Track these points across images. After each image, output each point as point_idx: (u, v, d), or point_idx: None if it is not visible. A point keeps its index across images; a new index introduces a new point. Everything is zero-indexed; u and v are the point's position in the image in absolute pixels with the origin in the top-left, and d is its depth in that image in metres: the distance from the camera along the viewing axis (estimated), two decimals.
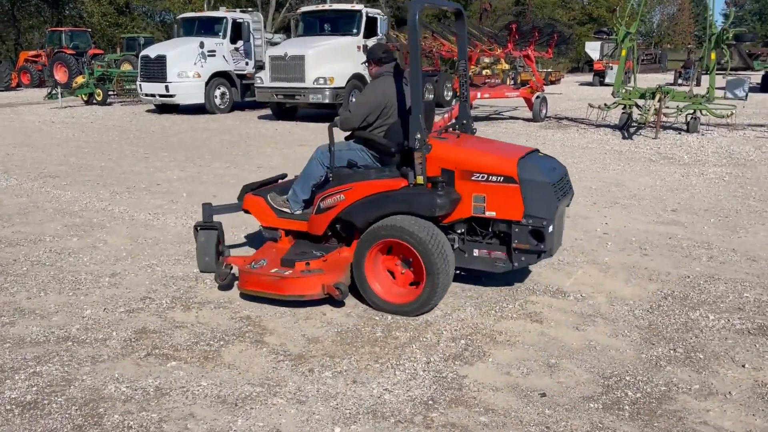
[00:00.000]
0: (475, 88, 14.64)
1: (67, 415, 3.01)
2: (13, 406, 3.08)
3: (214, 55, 17.05)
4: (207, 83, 16.84)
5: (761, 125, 13.53)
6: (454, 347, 3.69)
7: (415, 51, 3.88)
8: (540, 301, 4.31)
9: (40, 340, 3.78)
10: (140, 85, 17.39)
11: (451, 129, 4.68)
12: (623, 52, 13.00)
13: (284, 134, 13.24)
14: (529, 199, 3.88)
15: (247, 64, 17.87)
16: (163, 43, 19.32)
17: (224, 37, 17.32)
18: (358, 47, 15.23)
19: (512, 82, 21.41)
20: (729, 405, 3.06)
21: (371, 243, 4.03)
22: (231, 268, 4.49)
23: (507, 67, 23.17)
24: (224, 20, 17.31)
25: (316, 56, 14.66)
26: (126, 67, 24.68)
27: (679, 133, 12.41)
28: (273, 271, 4.12)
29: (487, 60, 19.51)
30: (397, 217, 3.98)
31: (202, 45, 16.64)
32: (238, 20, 17.42)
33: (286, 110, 16.00)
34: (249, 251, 5.22)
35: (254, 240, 5.66)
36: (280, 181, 5.36)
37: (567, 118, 15.21)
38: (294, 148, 11.36)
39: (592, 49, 33.87)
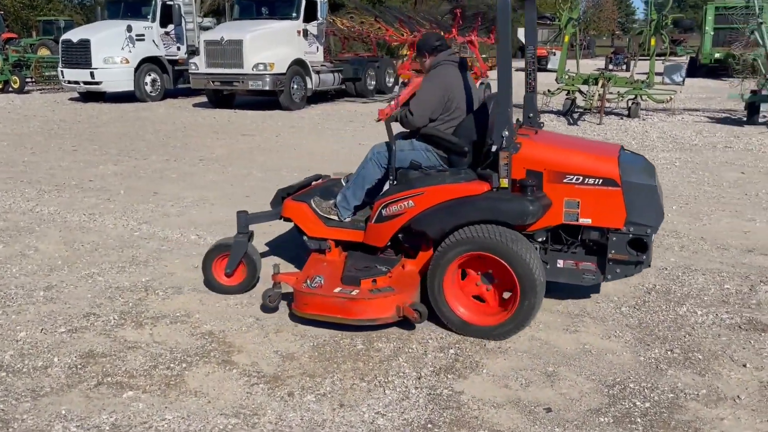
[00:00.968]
0: (419, 75, 14.35)
1: None
2: None
3: (143, 40, 16.07)
4: (136, 69, 15.87)
5: (696, 110, 13.88)
6: (444, 358, 3.40)
7: (505, 33, 3.45)
8: None
9: None
10: (62, 71, 16.21)
11: (521, 123, 4.04)
12: (566, 38, 13.01)
13: (223, 123, 12.59)
14: (632, 204, 3.42)
15: (178, 49, 16.96)
16: (87, 26, 18.08)
17: (153, 20, 16.36)
18: (299, 32, 14.66)
19: None
20: (741, 411, 2.91)
21: (454, 257, 3.49)
22: (281, 288, 3.87)
23: None
24: (153, 2, 16.33)
25: (255, 41, 14.01)
26: (43, 52, 23.08)
27: (622, 119, 12.56)
28: (337, 291, 3.59)
29: None
30: (479, 226, 3.45)
31: (129, 29, 15.65)
32: (168, 2, 16.46)
33: (223, 98, 15.28)
34: (279, 263, 4.75)
35: (281, 248, 5.11)
36: (315, 182, 4.84)
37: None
38: (236, 138, 10.78)
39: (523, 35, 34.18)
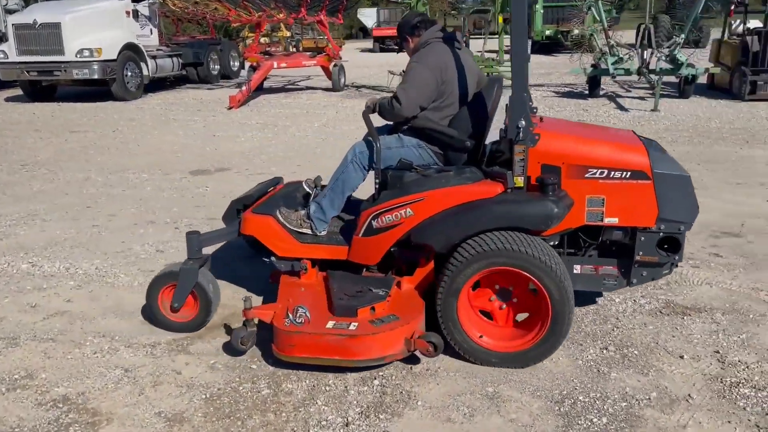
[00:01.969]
0: (270, 58, 13.54)
1: None
2: None
3: None
4: None
5: (541, 85, 14.42)
6: (369, 392, 2.87)
7: (520, 12, 2.92)
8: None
9: None
10: None
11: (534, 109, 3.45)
12: None
13: (46, 119, 10.93)
14: (664, 198, 2.99)
15: None
16: None
17: None
18: (127, 12, 13.13)
19: (295, 50, 20.55)
20: (699, 414, 2.69)
21: (471, 274, 2.91)
22: (255, 326, 3.13)
23: (287, 34, 22.20)
24: None
25: (76, 23, 12.31)
26: None
27: None
28: (330, 326, 2.92)
29: (266, 27, 18.40)
30: (492, 235, 2.91)
31: None
32: None
33: (42, 89, 13.33)
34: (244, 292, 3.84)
35: (233, 272, 4.09)
36: (273, 189, 4.00)
37: (365, 87, 14.83)
38: (64, 135, 9.34)
39: (367, 16, 34.15)
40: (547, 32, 22.89)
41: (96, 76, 12.29)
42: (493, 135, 3.36)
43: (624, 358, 3.14)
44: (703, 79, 12.74)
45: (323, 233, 3.45)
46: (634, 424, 2.63)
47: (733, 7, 12.90)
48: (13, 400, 2.84)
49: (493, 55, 13.28)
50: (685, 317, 3.53)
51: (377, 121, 3.42)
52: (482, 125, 3.28)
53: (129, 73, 12.95)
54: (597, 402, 2.78)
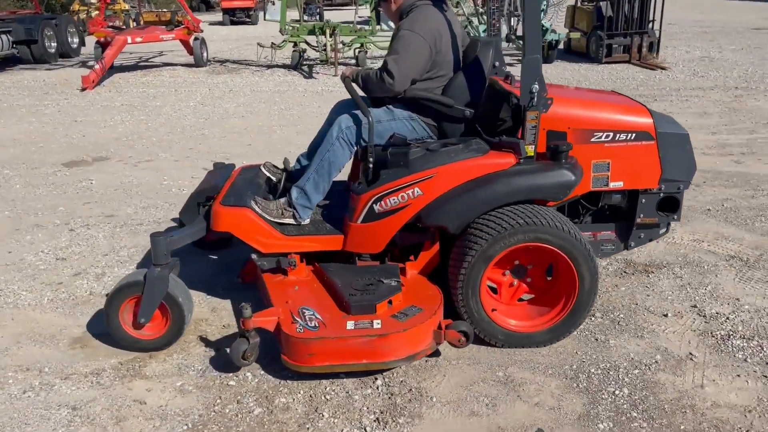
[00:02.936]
0: (123, 33, 12.27)
1: None
2: None
3: None
4: None
5: None
6: (376, 396, 2.58)
7: None
8: None
9: None
10: None
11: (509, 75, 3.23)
12: None
13: None
14: (666, 158, 2.93)
15: None
16: None
17: None
18: None
19: (135, 24, 19.01)
20: (708, 371, 2.71)
21: (513, 243, 2.68)
22: (257, 337, 2.66)
23: (126, 6, 20.43)
24: None
25: None
26: None
27: None
28: (351, 326, 2.56)
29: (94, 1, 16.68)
30: (541, 209, 2.74)
31: None
32: None
33: None
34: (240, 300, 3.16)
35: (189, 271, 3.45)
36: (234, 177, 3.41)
37: (230, 61, 13.94)
38: None
39: None
40: None
41: None
42: None
43: (614, 323, 3.10)
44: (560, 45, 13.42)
45: (306, 221, 3.06)
46: (656, 391, 2.58)
47: None
48: None
49: (365, 27, 13.00)
50: (650, 275, 3.59)
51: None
52: (479, 93, 3.04)
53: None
54: (610, 372, 2.71)
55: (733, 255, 3.80)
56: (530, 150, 2.79)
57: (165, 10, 24.01)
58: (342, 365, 2.57)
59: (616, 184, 2.98)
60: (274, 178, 3.44)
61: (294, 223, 3.05)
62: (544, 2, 12.00)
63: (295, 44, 12.17)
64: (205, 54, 13.24)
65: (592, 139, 2.91)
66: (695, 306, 3.23)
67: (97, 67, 10.86)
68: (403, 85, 2.99)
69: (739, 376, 2.67)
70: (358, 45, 12.38)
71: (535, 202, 2.82)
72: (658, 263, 3.72)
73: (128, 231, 4.34)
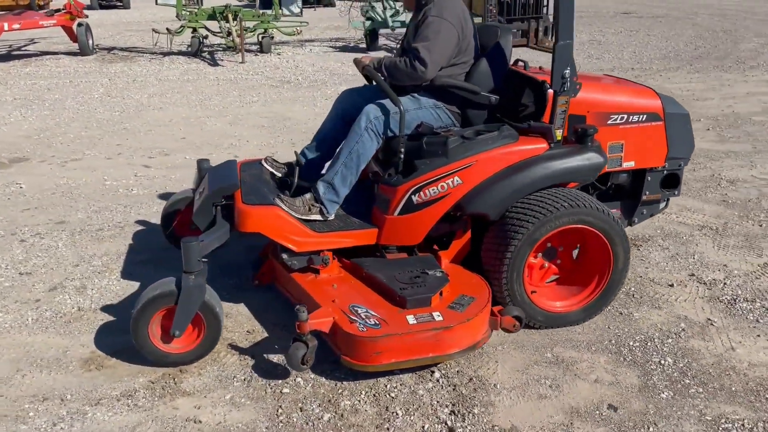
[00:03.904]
0: None
1: None
2: None
3: None
4: None
5: (311, 40, 14.17)
6: (441, 389, 2.54)
7: None
8: None
9: None
10: None
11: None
12: None
13: None
14: (671, 137, 3.11)
15: None
16: None
17: None
18: None
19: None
20: (732, 334, 2.92)
21: (557, 225, 2.73)
22: (315, 340, 2.50)
23: None
24: None
25: None
26: None
27: (257, 55, 11.94)
28: (413, 321, 2.50)
29: None
30: (581, 192, 2.87)
31: None
32: None
33: None
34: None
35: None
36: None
37: (118, 48, 12.97)
38: None
39: None
40: None
41: None
42: None
43: (629, 296, 3.25)
44: None
45: (332, 217, 2.91)
46: (696, 357, 2.75)
47: None
48: None
49: (267, 11, 12.57)
50: (639, 248, 3.79)
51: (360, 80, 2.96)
52: (501, 79, 3.03)
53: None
54: (648, 344, 2.84)
55: (703, 225, 4.11)
56: (559, 134, 2.86)
57: None
58: (408, 361, 2.50)
59: (628, 164, 3.13)
60: (278, 173, 3.25)
61: (321, 219, 2.91)
62: None
63: (194, 30, 11.56)
64: (90, 41, 12.23)
65: (609, 122, 3.03)
66: (693, 275, 3.46)
67: None
68: (434, 73, 2.94)
69: (759, 336, 2.90)
70: (262, 31, 12.00)
71: (560, 185, 2.89)
72: (641, 237, 3.94)
73: (90, 238, 3.94)
